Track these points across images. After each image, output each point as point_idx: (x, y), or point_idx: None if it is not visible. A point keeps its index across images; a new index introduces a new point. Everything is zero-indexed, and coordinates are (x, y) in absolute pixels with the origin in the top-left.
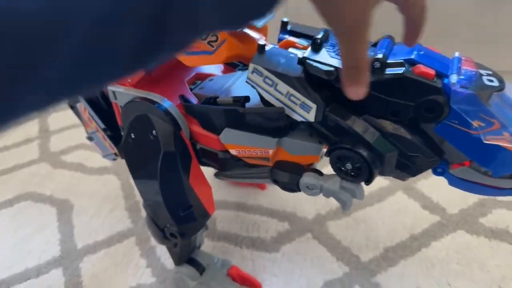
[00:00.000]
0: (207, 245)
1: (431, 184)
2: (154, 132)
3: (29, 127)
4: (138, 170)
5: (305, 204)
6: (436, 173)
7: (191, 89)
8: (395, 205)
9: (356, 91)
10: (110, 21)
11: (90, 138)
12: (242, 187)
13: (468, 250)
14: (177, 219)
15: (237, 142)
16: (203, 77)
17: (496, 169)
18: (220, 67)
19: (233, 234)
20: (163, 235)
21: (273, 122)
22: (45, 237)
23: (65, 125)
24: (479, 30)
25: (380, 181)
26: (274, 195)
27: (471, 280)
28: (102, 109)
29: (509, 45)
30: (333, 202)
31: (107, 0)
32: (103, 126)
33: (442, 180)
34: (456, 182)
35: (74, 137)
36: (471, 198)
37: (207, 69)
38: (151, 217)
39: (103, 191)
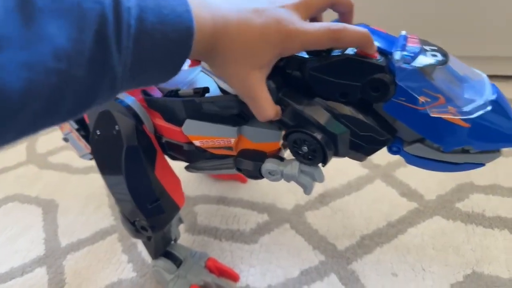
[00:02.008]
0: (187, 240)
1: (410, 171)
2: (116, 127)
3: None
4: (105, 166)
5: (285, 195)
6: (391, 151)
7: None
8: (373, 193)
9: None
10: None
11: (65, 139)
12: (224, 181)
13: (443, 235)
14: (145, 212)
15: (199, 133)
16: None
17: (445, 143)
18: (187, 61)
19: (213, 228)
20: (135, 229)
21: (228, 110)
22: (31, 237)
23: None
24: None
25: (358, 170)
26: (254, 188)
27: (446, 265)
28: None
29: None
30: (312, 193)
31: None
32: (76, 126)
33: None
34: (413, 160)
35: (61, 138)
36: (449, 184)
37: None
38: (122, 212)
39: (88, 190)
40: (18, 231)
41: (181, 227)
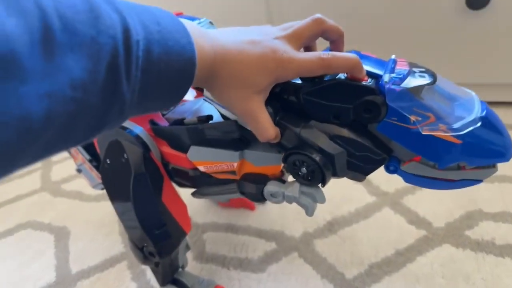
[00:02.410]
0: (195, 267)
1: (418, 199)
2: (125, 155)
3: None
4: (114, 194)
5: (293, 223)
6: (389, 171)
7: (163, 115)
8: (381, 221)
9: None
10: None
11: (78, 170)
12: (232, 209)
13: (453, 264)
14: (152, 237)
15: (203, 158)
16: None
17: (439, 160)
18: (193, 93)
19: (221, 256)
20: (143, 255)
21: (229, 134)
22: (42, 264)
23: (67, 155)
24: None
25: (366, 198)
26: (263, 216)
27: None
28: None
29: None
30: (319, 220)
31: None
32: (88, 157)
33: (428, 195)
34: (410, 178)
35: (74, 166)
36: (457, 211)
37: None
38: (131, 238)
39: (99, 217)
40: (30, 257)
41: (190, 255)
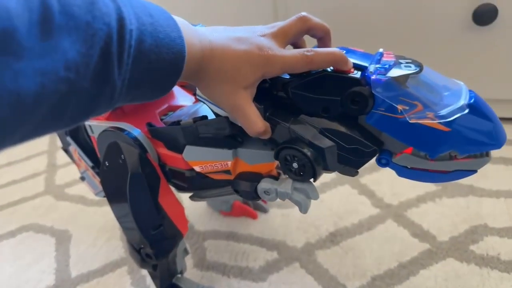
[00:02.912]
0: (195, 275)
1: (422, 212)
2: (122, 156)
3: (38, 162)
4: (112, 195)
5: (295, 232)
6: (380, 164)
7: (162, 119)
8: (385, 233)
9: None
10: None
11: (82, 178)
12: (234, 217)
13: (457, 278)
14: (148, 237)
15: (198, 158)
16: (175, 108)
17: (429, 150)
18: (192, 99)
19: (221, 264)
20: (140, 258)
21: (221, 131)
22: (42, 267)
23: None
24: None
25: (370, 210)
26: (265, 225)
27: None
28: (89, 149)
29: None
30: (322, 231)
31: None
32: (91, 164)
33: (432, 208)
34: (403, 172)
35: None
36: (462, 225)
37: (179, 101)
38: (129, 240)
39: (101, 222)
40: (31, 260)
41: (190, 262)
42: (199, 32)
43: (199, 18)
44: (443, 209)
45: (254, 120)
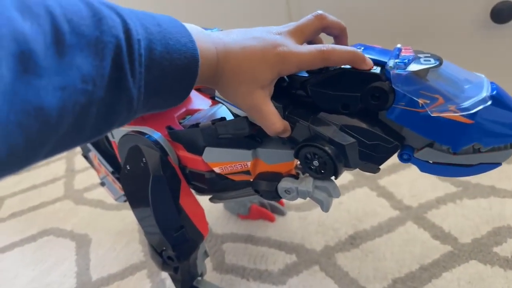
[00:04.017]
0: (214, 278)
1: (442, 213)
2: (144, 159)
3: (56, 167)
4: (134, 199)
5: (314, 235)
6: (402, 160)
7: (180, 123)
8: (405, 235)
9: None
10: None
11: (102, 183)
12: (252, 220)
13: (481, 281)
14: (170, 239)
15: (218, 159)
16: (192, 112)
17: (452, 143)
18: (209, 102)
19: (240, 267)
20: (162, 260)
21: (240, 131)
22: (63, 270)
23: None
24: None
25: (389, 212)
26: (283, 227)
27: None
28: (109, 154)
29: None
30: (341, 234)
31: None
32: (111, 169)
33: (453, 209)
34: (426, 167)
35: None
36: (484, 227)
37: (196, 105)
38: (151, 244)
39: (120, 225)
40: (52, 264)
41: (209, 266)
42: (212, 36)
43: (213, 20)
44: (464, 211)
45: (272, 120)
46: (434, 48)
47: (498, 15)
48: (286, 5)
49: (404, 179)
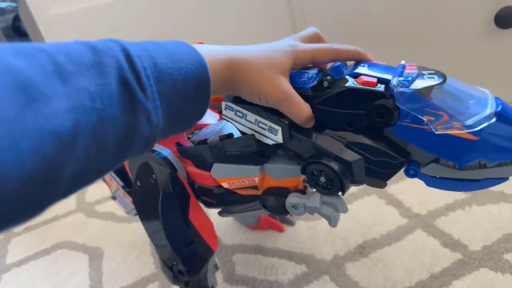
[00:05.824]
0: None
1: (451, 220)
2: (154, 176)
3: None
4: (144, 213)
5: (323, 245)
6: (409, 175)
7: (189, 138)
8: (414, 243)
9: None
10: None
11: (113, 197)
12: (261, 231)
13: None
14: (181, 255)
15: (226, 175)
16: (200, 127)
17: (458, 159)
18: (216, 117)
19: (250, 278)
20: (173, 274)
21: (248, 148)
22: (76, 283)
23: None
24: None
25: (398, 220)
26: (292, 238)
27: None
28: (120, 169)
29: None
30: (351, 243)
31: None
32: (122, 183)
33: (462, 216)
34: (432, 181)
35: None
36: (494, 234)
37: (205, 119)
38: (161, 258)
39: (131, 238)
40: (66, 277)
41: (219, 277)
42: (217, 46)
43: (214, 25)
44: (474, 217)
45: (301, 105)
46: (439, 53)
47: (502, 20)
48: (287, 5)
49: (412, 187)
